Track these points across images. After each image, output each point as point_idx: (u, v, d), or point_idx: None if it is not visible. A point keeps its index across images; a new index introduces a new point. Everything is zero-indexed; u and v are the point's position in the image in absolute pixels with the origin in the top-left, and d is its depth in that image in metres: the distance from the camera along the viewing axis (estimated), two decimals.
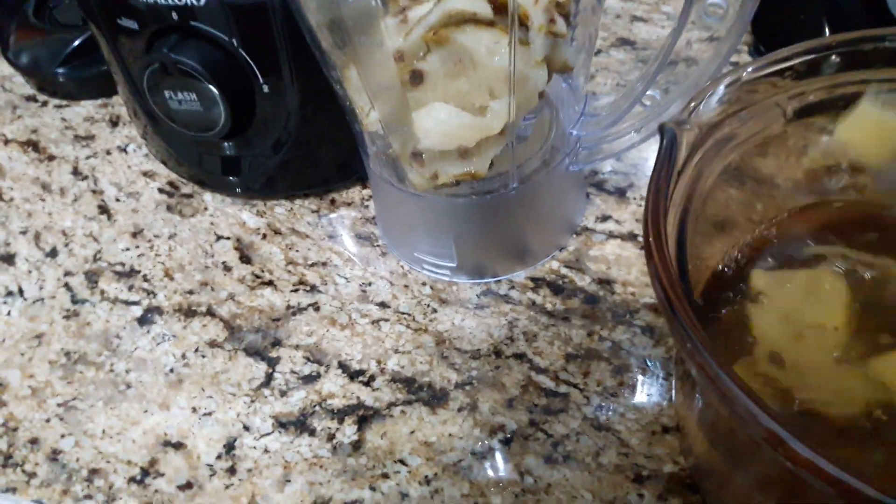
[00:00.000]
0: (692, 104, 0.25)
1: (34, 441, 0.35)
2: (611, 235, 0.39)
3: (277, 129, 0.39)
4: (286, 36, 0.36)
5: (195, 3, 0.35)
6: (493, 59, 0.27)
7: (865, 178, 0.30)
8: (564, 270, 0.37)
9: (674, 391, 0.32)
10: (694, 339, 0.20)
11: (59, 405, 0.36)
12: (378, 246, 0.40)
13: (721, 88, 0.25)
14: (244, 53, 0.37)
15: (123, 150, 0.49)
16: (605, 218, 0.39)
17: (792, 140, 0.27)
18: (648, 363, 0.33)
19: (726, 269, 0.29)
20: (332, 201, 0.43)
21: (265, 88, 0.38)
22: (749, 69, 0.26)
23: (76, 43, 0.51)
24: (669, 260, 0.22)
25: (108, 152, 0.49)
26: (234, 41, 0.36)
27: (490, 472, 0.31)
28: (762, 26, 0.45)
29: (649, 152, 0.42)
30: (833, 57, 0.26)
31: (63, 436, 0.35)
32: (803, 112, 0.27)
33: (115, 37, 0.39)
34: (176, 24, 0.36)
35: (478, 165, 0.32)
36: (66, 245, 0.43)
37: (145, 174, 0.47)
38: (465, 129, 0.29)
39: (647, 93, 0.31)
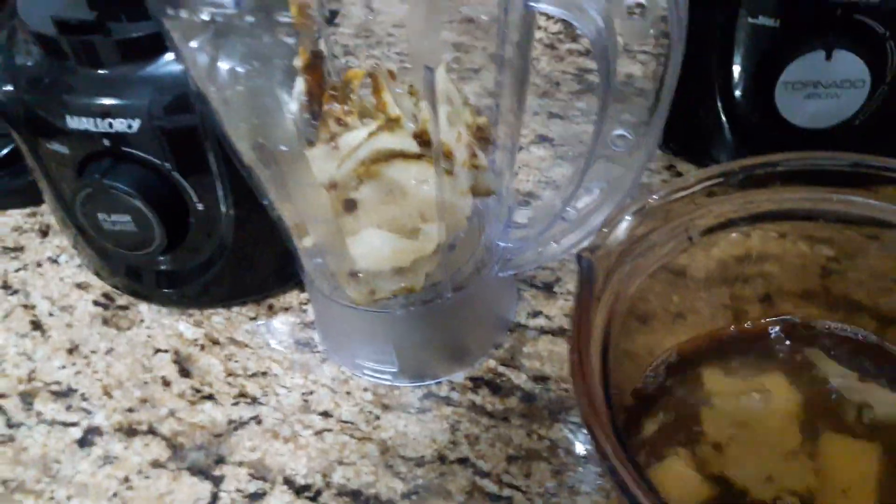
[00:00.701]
0: (604, 230, 0.27)
1: None
2: (542, 331, 0.40)
3: (213, 243, 0.40)
4: (219, 156, 0.37)
5: (127, 130, 0.36)
6: (422, 189, 0.29)
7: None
8: (501, 369, 0.39)
9: (610, 488, 0.33)
10: (613, 464, 0.22)
11: None
12: (318, 352, 0.41)
13: (629, 216, 0.28)
14: (178, 175, 0.37)
15: (55, 261, 0.48)
16: (536, 314, 0.41)
17: (699, 255, 0.30)
18: (585, 460, 0.35)
19: (657, 372, 0.31)
20: (270, 307, 0.44)
21: (199, 206, 0.38)
22: (655, 196, 0.28)
23: (2, 153, 0.51)
24: (594, 384, 0.24)
25: (39, 264, 0.48)
26: (168, 164, 0.37)
27: None
28: (668, 124, 0.48)
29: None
30: (730, 181, 0.29)
31: None
32: (707, 230, 0.29)
33: (43, 158, 0.40)
34: (108, 150, 0.37)
35: (413, 281, 0.33)
36: None
37: (79, 286, 0.46)
38: (398, 252, 0.31)
39: (566, 208, 0.33)
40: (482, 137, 0.32)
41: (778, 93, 0.39)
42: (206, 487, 0.36)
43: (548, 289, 0.42)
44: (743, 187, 0.29)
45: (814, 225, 0.32)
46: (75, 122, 0.36)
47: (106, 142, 0.36)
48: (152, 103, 0.36)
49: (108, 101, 0.36)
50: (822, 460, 0.28)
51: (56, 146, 0.38)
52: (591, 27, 0.25)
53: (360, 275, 0.33)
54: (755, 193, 0.30)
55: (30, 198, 0.51)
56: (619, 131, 0.29)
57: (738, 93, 0.42)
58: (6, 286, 0.47)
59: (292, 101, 0.28)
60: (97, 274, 0.46)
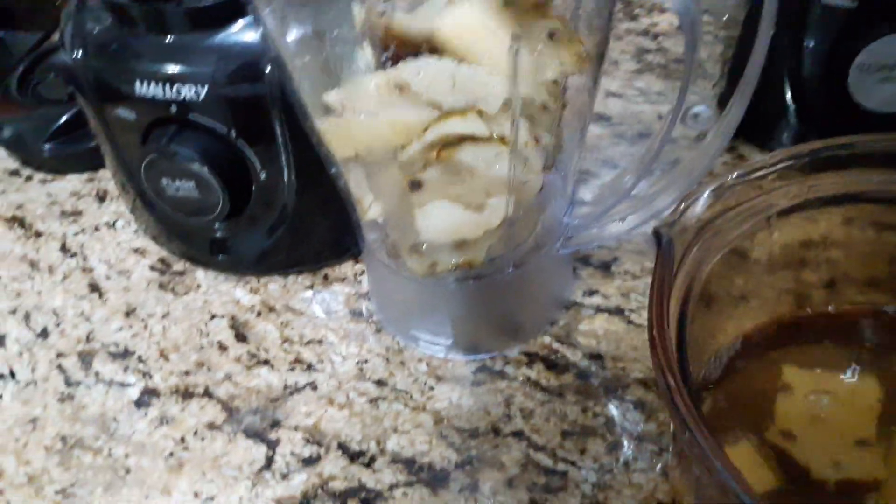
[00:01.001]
0: (681, 206, 0.27)
1: None
2: (598, 310, 0.40)
3: (273, 212, 0.40)
4: (284, 125, 0.37)
5: (193, 97, 0.36)
6: (492, 170, 0.28)
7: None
8: (556, 345, 0.39)
9: (669, 467, 0.33)
10: (696, 436, 0.22)
11: (56, 492, 0.36)
12: (372, 322, 0.41)
13: (707, 192, 0.27)
14: (242, 143, 0.38)
15: (112, 225, 0.49)
16: (592, 292, 0.41)
17: (776, 236, 0.29)
18: (641, 438, 0.35)
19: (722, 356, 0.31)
20: (326, 277, 0.44)
21: (263, 175, 0.39)
22: (733, 175, 0.28)
23: (63, 119, 0.52)
24: (672, 357, 0.24)
25: (97, 228, 0.49)
26: (233, 132, 0.37)
27: None
28: None
29: None
30: (808, 162, 0.28)
31: None
32: (783, 212, 0.29)
33: (109, 123, 0.40)
34: (174, 116, 0.37)
35: (475, 255, 0.33)
36: (58, 325, 0.43)
37: (136, 251, 0.47)
38: (464, 225, 0.31)
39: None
40: (550, 110, 0.31)
41: (852, 75, 0.38)
42: (261, 450, 0.36)
43: (605, 268, 0.42)
44: (820, 169, 0.29)
45: (884, 209, 0.31)
46: (143, 89, 0.37)
47: (173, 108, 0.37)
48: (219, 71, 0.36)
49: (175, 68, 0.36)
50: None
51: (123, 112, 0.39)
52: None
53: (423, 247, 0.33)
54: (832, 176, 0.29)
55: (88, 163, 0.52)
56: (699, 108, 0.28)
57: (808, 75, 0.41)
58: (65, 249, 0.48)
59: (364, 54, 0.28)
60: (154, 239, 0.47)
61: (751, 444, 0.28)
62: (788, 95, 0.43)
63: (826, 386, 0.29)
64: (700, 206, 0.27)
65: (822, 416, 0.28)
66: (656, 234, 0.26)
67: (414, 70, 0.27)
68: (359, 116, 0.28)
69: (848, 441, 0.28)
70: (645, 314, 0.26)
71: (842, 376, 0.29)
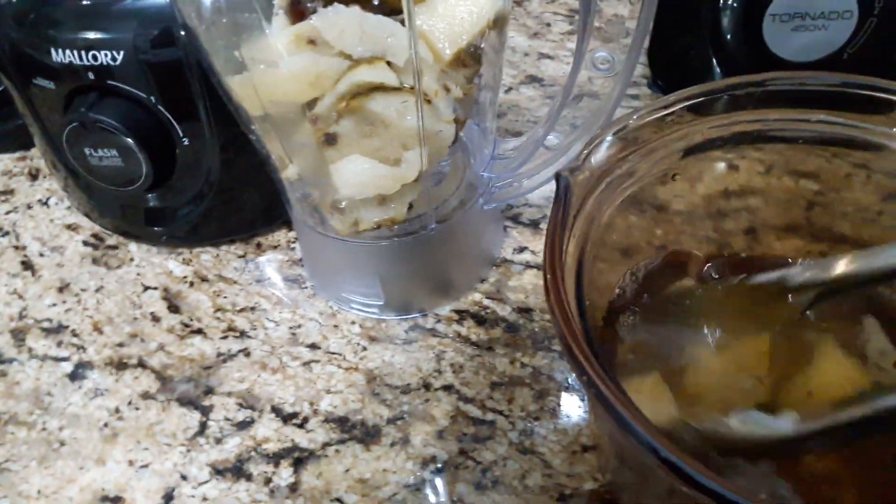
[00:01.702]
0: (584, 152, 0.28)
1: None
2: (527, 266, 0.41)
3: (199, 179, 0.40)
4: (204, 90, 0.37)
5: (111, 62, 0.36)
6: (404, 120, 0.29)
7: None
8: (487, 301, 0.39)
9: (589, 412, 0.34)
10: (588, 374, 0.22)
11: None
12: (306, 287, 0.41)
13: (609, 136, 0.28)
14: (163, 109, 0.37)
15: (45, 203, 0.48)
16: (521, 249, 0.42)
17: (678, 175, 0.30)
18: (567, 387, 0.35)
19: (625, 291, 0.32)
20: (258, 245, 0.44)
21: (185, 141, 0.38)
22: (636, 116, 0.28)
23: None
24: (567, 297, 0.24)
25: (29, 206, 0.48)
26: (153, 98, 0.37)
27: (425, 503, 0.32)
28: (657, 61, 0.48)
29: None
30: (716, 100, 0.29)
31: None
32: (689, 151, 0.29)
33: (31, 95, 0.40)
34: (93, 84, 0.37)
35: (396, 211, 0.33)
36: None
37: (69, 227, 0.47)
38: (381, 178, 0.31)
39: (550, 137, 0.33)
40: (466, 65, 0.31)
41: (766, 25, 0.39)
42: (194, 417, 0.36)
43: (534, 225, 0.43)
44: (727, 108, 0.29)
45: (799, 154, 0.32)
46: (60, 56, 0.36)
47: (91, 75, 0.36)
48: (136, 36, 0.36)
49: (92, 35, 0.36)
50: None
51: (42, 82, 0.38)
52: None
53: (344, 205, 0.33)
54: (739, 115, 0.30)
55: (19, 142, 0.52)
56: (602, 52, 0.29)
57: (726, 27, 0.42)
58: None
59: (276, 18, 0.28)
60: (87, 215, 0.46)
61: (658, 377, 0.28)
62: (710, 50, 0.43)
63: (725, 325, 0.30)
64: (603, 150, 0.27)
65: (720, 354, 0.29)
66: (556, 178, 0.26)
67: (324, 18, 0.27)
68: (260, 66, 0.28)
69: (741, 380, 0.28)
70: None
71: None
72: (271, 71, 0.28)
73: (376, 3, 0.27)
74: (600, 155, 0.28)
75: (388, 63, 0.29)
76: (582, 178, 0.27)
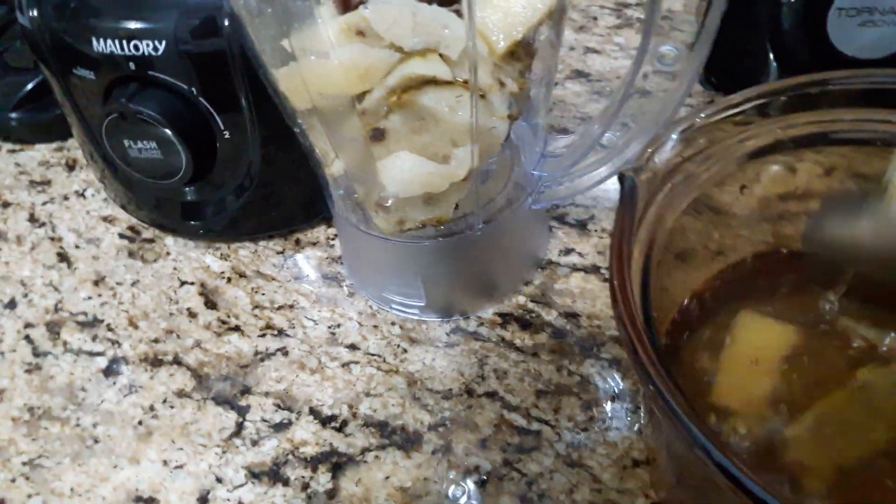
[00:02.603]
0: (648, 151, 0.26)
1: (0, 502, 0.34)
2: (574, 268, 0.39)
3: (240, 173, 0.39)
4: (246, 82, 0.36)
5: (152, 52, 0.35)
6: (456, 116, 0.27)
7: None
8: (531, 305, 0.38)
9: (643, 424, 0.32)
10: (658, 385, 0.21)
11: (24, 463, 0.35)
12: (345, 286, 0.40)
13: (675, 135, 0.26)
14: (204, 101, 0.36)
15: (81, 194, 0.48)
16: (568, 251, 0.40)
17: (747, 179, 0.28)
18: (616, 396, 0.34)
19: (697, 303, 0.30)
20: (297, 241, 0.43)
21: (226, 134, 0.38)
22: (702, 115, 0.26)
23: (29, 87, 0.50)
24: (634, 305, 0.23)
25: (66, 197, 0.48)
26: (194, 89, 0.36)
27: None
28: (711, 57, 0.46)
29: (608, 184, 0.42)
30: (781, 100, 0.27)
31: (30, 496, 0.34)
32: (755, 154, 0.28)
33: (70, 86, 0.39)
34: (133, 74, 0.36)
35: (443, 210, 0.32)
36: (26, 295, 0.43)
37: (105, 219, 0.46)
38: (429, 176, 0.30)
39: (605, 134, 0.31)
40: (519, 59, 0.30)
41: (830, 20, 0.37)
42: (231, 417, 0.36)
43: (581, 226, 0.41)
44: (793, 108, 0.28)
45: (864, 156, 0.30)
46: (101, 46, 0.36)
47: (132, 65, 0.36)
48: (178, 26, 0.35)
49: (133, 24, 0.35)
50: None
51: (82, 72, 0.37)
52: None
53: (390, 203, 0.32)
54: (805, 115, 0.28)
55: (57, 132, 0.51)
56: (667, 47, 0.27)
57: (786, 22, 0.40)
58: (33, 219, 0.47)
59: (324, 7, 0.27)
60: (123, 207, 0.45)
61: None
62: (768, 46, 0.41)
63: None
64: (668, 150, 0.26)
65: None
66: (620, 178, 0.25)
67: (375, 8, 0.26)
68: (310, 57, 0.26)
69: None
70: None
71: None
72: (321, 62, 0.27)
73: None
74: (664, 155, 0.26)
75: (441, 55, 0.28)
76: (645, 178, 0.26)
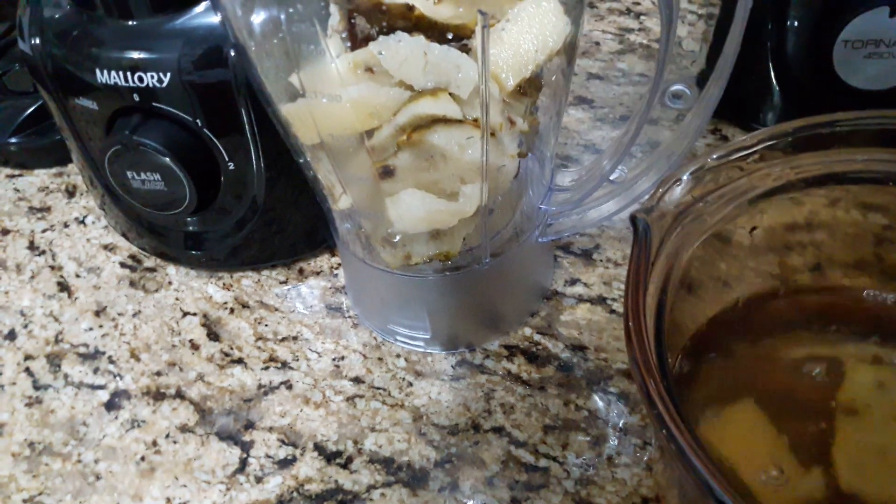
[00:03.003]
0: (660, 191, 0.26)
1: None
2: (580, 299, 0.39)
3: (244, 204, 0.39)
4: (251, 112, 0.36)
5: (157, 84, 0.35)
6: (466, 154, 0.27)
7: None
8: (537, 337, 0.38)
9: (653, 461, 0.32)
10: (673, 435, 0.21)
11: (24, 501, 0.35)
12: (349, 317, 0.40)
13: (686, 176, 0.26)
14: (209, 132, 0.36)
15: (82, 221, 0.48)
16: (573, 281, 0.40)
17: (757, 219, 0.28)
18: (624, 431, 0.34)
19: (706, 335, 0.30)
20: (301, 271, 0.43)
21: (231, 165, 0.37)
22: (713, 156, 0.26)
23: (29, 111, 0.50)
24: (650, 349, 0.23)
25: (66, 224, 0.48)
26: (199, 121, 0.36)
27: None
28: None
29: None
30: (790, 140, 0.27)
31: None
32: (767, 193, 0.27)
33: (71, 115, 0.39)
34: (137, 105, 0.36)
35: (450, 245, 0.32)
36: (25, 326, 0.42)
37: (106, 247, 0.46)
38: (438, 213, 0.30)
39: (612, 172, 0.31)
40: (528, 95, 0.30)
41: (836, 51, 0.37)
42: (234, 453, 0.35)
43: (586, 256, 0.41)
44: (803, 148, 0.28)
45: (871, 190, 0.30)
46: (104, 77, 0.35)
47: (136, 97, 0.35)
48: (183, 56, 0.35)
49: (137, 55, 0.35)
50: None
51: (84, 102, 0.37)
52: None
53: (397, 238, 0.32)
54: (815, 156, 0.28)
55: (56, 157, 0.51)
56: (678, 86, 0.27)
57: (791, 51, 0.40)
58: (33, 247, 0.46)
59: (330, 40, 0.26)
60: (124, 235, 0.45)
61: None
62: (772, 74, 0.41)
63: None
64: (679, 190, 0.26)
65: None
66: (633, 220, 0.25)
67: (386, 47, 0.26)
68: (321, 100, 0.26)
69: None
70: None
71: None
72: (331, 102, 0.26)
73: (450, 36, 0.25)
74: (675, 195, 0.26)
75: (450, 94, 0.27)
76: (657, 217, 0.26)
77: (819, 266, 0.33)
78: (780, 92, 0.42)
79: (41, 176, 0.51)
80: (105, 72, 0.35)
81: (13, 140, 0.50)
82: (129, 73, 0.35)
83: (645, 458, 0.33)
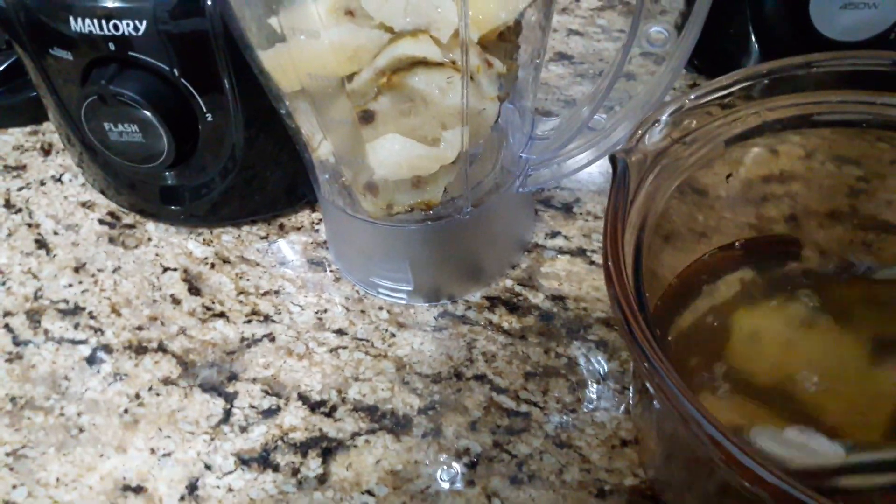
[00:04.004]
0: (639, 132, 0.26)
1: None
2: (560, 251, 0.39)
3: (222, 156, 0.39)
4: (229, 62, 0.35)
5: (132, 32, 0.34)
6: (446, 97, 0.27)
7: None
8: (518, 288, 0.38)
9: (632, 404, 0.33)
10: (653, 363, 0.21)
11: (7, 454, 0.35)
12: (331, 271, 0.40)
13: (665, 117, 0.26)
14: (186, 83, 0.36)
15: (58, 179, 0.47)
16: (554, 234, 0.40)
17: (734, 160, 0.29)
18: (603, 377, 0.34)
19: (685, 283, 0.31)
20: (281, 226, 0.43)
21: (209, 117, 0.37)
22: (691, 97, 0.27)
23: (1, 68, 0.49)
24: (629, 285, 0.23)
25: (42, 182, 0.47)
26: (175, 70, 0.35)
27: (458, 497, 0.31)
28: None
29: (593, 168, 0.43)
30: (766, 82, 0.27)
31: (14, 486, 0.34)
32: (743, 136, 0.28)
33: (46, 67, 0.38)
34: (113, 55, 0.35)
35: (432, 194, 0.32)
36: (4, 283, 0.42)
37: (84, 205, 0.45)
38: (419, 159, 0.30)
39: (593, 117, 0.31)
40: (507, 40, 0.30)
41: (812, 3, 0.37)
42: (218, 404, 0.35)
43: (567, 209, 0.41)
44: (778, 90, 0.28)
45: (846, 135, 0.30)
46: (79, 26, 0.35)
47: (111, 46, 0.35)
48: (159, 5, 0.34)
49: (112, 3, 0.34)
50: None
51: (60, 52, 0.37)
52: None
53: (378, 186, 0.32)
54: (790, 97, 0.28)
55: (30, 115, 0.50)
56: (658, 28, 0.27)
57: (768, 4, 0.40)
58: (9, 205, 0.46)
59: None
60: (103, 192, 0.45)
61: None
62: (750, 27, 0.42)
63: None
64: (658, 132, 0.26)
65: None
66: (612, 160, 0.25)
67: None
68: (300, 37, 0.26)
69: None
70: None
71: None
72: (310, 42, 0.26)
73: None
74: (654, 137, 0.26)
75: (431, 37, 0.27)
76: (636, 160, 0.26)
77: (794, 216, 0.33)
78: (758, 45, 0.42)
79: (15, 134, 0.50)
80: (80, 20, 0.35)
81: None
82: (104, 22, 0.34)
83: (623, 403, 0.33)
